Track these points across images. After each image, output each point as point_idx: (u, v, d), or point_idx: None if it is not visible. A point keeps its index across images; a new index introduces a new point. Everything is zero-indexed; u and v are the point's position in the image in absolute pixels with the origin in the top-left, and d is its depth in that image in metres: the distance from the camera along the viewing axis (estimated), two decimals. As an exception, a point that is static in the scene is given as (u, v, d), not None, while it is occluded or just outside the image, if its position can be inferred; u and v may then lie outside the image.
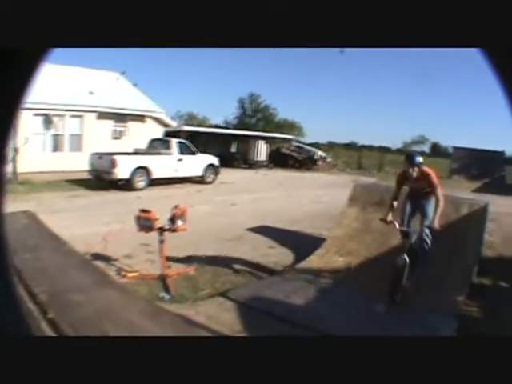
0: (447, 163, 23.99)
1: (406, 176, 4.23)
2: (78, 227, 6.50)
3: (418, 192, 4.31)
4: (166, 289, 4.39)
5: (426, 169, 4.23)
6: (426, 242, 4.25)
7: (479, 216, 5.36)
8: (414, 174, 4.13)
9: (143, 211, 4.85)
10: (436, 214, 4.01)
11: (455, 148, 25.52)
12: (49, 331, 1.50)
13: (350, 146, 35.35)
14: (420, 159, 4.22)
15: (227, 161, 18.86)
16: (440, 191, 4.13)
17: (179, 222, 4.71)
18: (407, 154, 4.66)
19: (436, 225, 4.00)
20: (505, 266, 5.42)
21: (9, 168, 11.80)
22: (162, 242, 4.68)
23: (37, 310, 1.63)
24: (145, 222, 4.74)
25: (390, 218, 4.25)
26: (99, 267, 4.39)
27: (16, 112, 0.89)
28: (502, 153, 23.77)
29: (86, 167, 12.84)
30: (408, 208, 4.41)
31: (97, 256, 5.16)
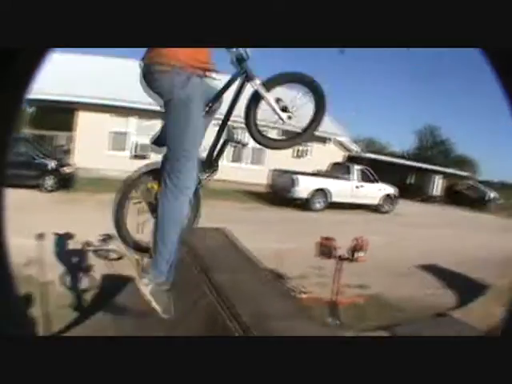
0: None
1: None
2: (253, 240, 5.99)
3: None
4: (334, 314, 4.51)
5: None
6: None
7: None
8: None
9: (325, 239, 4.98)
10: None
11: None
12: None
13: None
14: None
15: (402, 192, 17.84)
16: None
17: (360, 254, 4.80)
18: None
19: None
20: None
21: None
22: (338, 270, 4.77)
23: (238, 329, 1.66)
24: (325, 249, 4.89)
25: None
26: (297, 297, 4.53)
27: (16, 112, 0.89)
28: None
29: (265, 181, 12.94)
30: None
31: (271, 273, 5.18)
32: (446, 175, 24.20)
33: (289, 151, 15.80)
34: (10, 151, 0.93)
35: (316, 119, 2.19)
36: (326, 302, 4.70)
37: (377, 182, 14.40)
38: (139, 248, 2.16)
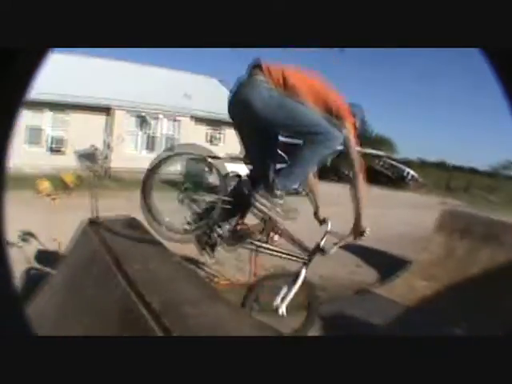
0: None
1: None
2: None
3: None
4: (253, 298, 4.47)
5: None
6: None
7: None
8: None
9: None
10: None
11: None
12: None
13: (440, 166, 33.38)
14: None
15: (319, 173, 18.26)
16: None
17: (273, 236, 4.76)
18: None
19: None
20: None
21: (101, 164, 12.08)
22: (253, 252, 4.74)
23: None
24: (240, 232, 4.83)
25: None
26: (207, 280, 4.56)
27: (16, 112, 0.89)
28: None
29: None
30: None
31: (189, 261, 5.13)
32: (363, 155, 24.24)
33: (201, 137, 16.02)
34: (10, 151, 0.93)
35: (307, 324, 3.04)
36: (243, 286, 4.69)
37: None
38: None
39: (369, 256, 7.01)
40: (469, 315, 4.13)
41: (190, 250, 5.28)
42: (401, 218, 11.09)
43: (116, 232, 2.93)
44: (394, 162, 25.43)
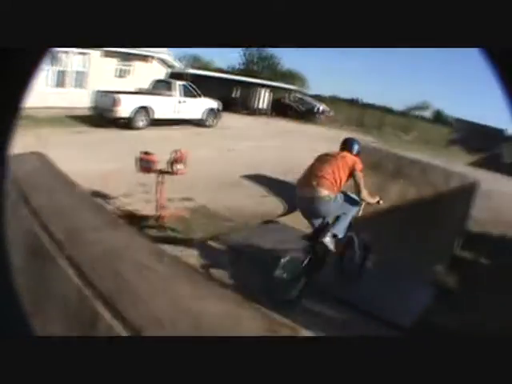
0: (447, 132, 23.98)
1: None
2: (78, 164, 6.17)
3: None
4: (161, 230, 4.50)
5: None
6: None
7: (469, 191, 5.36)
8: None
9: (144, 153, 4.85)
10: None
11: (457, 120, 25.41)
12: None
13: (354, 103, 31.18)
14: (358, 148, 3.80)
15: (228, 106, 18.44)
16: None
17: (178, 166, 4.74)
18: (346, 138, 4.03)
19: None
20: (488, 243, 5.49)
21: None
22: (159, 183, 4.73)
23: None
24: (145, 164, 4.77)
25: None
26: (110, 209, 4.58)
27: (16, 112, 0.89)
28: (501, 130, 23.05)
29: (89, 104, 12.76)
30: None
31: (96, 194, 5.16)
32: (273, 89, 24.43)
33: (111, 72, 15.86)
34: (10, 151, 0.93)
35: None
36: (149, 217, 4.67)
37: (200, 96, 14.56)
38: None
39: (275, 187, 7.07)
40: (375, 247, 4.14)
41: (102, 186, 5.32)
42: (309, 150, 10.97)
43: (24, 168, 2.93)
44: (304, 96, 25.47)
